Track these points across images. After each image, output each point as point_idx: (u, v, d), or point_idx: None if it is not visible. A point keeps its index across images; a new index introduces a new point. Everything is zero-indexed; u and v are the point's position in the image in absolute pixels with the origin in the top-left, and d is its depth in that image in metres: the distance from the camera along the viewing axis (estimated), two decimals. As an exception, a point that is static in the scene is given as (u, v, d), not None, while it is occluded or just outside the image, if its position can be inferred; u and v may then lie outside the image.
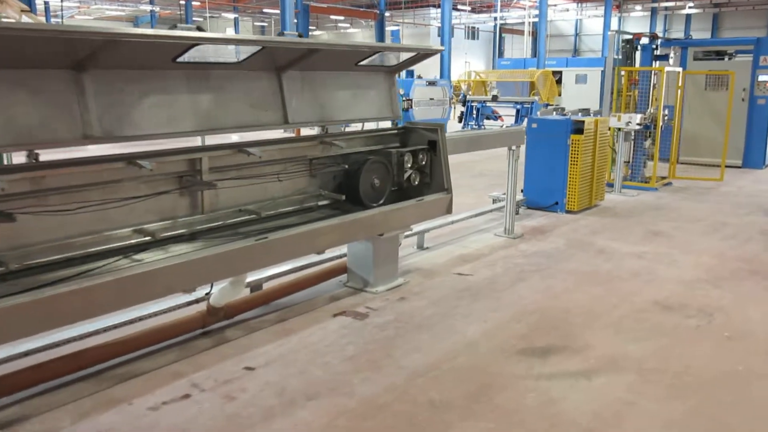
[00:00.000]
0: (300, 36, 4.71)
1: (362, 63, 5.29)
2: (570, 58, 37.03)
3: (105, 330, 4.04)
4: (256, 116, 4.64)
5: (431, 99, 16.11)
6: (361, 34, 62.67)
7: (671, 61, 9.97)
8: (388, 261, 5.38)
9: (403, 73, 41.05)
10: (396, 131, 5.85)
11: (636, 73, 10.18)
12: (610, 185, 9.82)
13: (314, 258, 5.44)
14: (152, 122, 3.94)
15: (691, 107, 12.52)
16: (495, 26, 50.76)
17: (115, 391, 3.58)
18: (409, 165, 5.49)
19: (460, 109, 20.02)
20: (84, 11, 54.47)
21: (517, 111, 18.40)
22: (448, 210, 5.69)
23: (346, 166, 5.21)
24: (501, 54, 59.06)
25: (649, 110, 9.83)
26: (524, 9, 43.57)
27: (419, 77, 17.69)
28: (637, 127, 9.40)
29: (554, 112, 12.26)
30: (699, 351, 4.16)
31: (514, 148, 6.85)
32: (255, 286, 4.98)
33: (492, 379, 3.74)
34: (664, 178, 10.51)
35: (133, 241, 3.87)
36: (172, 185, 4.11)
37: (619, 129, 9.50)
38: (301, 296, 5.08)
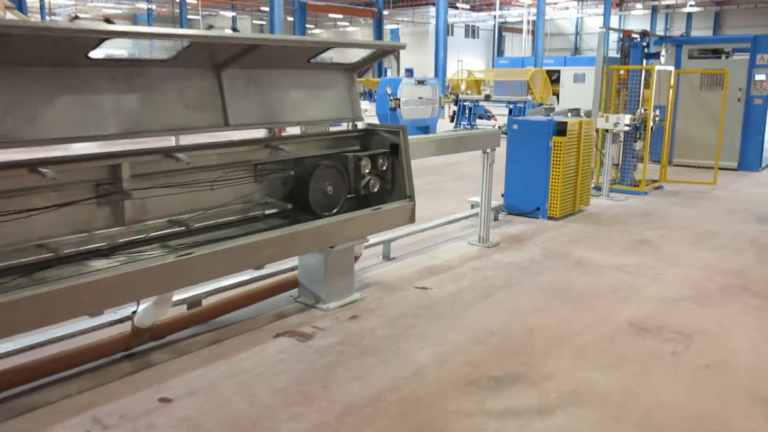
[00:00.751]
0: (234, 30, 4.26)
1: (318, 60, 4.86)
2: (568, 57, 36.53)
3: (8, 354, 3.62)
4: (190, 118, 4.22)
5: (420, 98, 15.67)
6: (360, 33, 62.21)
7: (662, 59, 9.52)
8: (343, 275, 4.94)
9: (402, 71, 40.60)
10: (356, 134, 5.42)
11: (626, 72, 9.73)
12: (598, 189, 9.40)
13: (265, 270, 5.02)
14: (63, 125, 3.52)
15: (686, 107, 12.07)
16: (494, 25, 50.25)
17: (2, 429, 3.15)
18: (368, 170, 5.06)
19: (452, 108, 19.57)
20: (81, 9, 54.24)
21: (510, 110, 17.95)
22: (411, 219, 5.26)
23: (295, 172, 4.78)
24: (501, 53, 58.63)
25: (638, 111, 9.38)
26: (524, 7, 43.08)
27: (408, 76, 17.26)
28: (626, 129, 8.96)
29: (543, 112, 11.85)
30: (673, 384, 3.72)
31: (488, 151, 6.42)
32: (192, 303, 4.56)
33: (435, 417, 3.31)
34: (655, 181, 10.06)
35: (34, 257, 3.45)
36: (85, 194, 3.68)
37: (607, 130, 9.05)
38: (246, 313, 4.66)
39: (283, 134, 4.96)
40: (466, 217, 7.20)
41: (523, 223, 7.57)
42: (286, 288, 5.04)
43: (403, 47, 5.18)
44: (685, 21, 48.35)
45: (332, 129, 5.31)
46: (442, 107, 16.63)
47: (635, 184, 9.65)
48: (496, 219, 7.72)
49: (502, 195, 8.09)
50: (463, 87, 26.38)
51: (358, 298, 4.98)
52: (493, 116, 19.07)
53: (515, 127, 7.87)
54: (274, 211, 4.74)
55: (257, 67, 4.59)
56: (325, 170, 4.78)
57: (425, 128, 16.11)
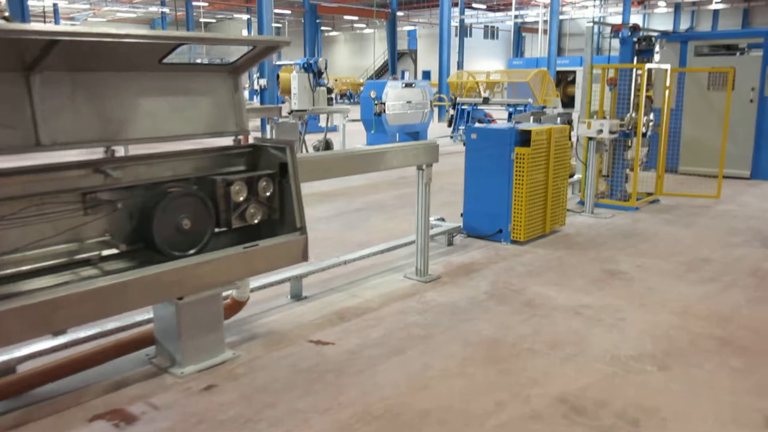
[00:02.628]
0: (7, 19, 3.30)
1: (187, 60, 3.88)
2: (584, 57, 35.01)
3: None
4: (-20, 136, 3.28)
5: (408, 102, 14.62)
6: (377, 34, 61.33)
7: (657, 56, 8.36)
8: (207, 330, 3.94)
9: (420, 74, 39.54)
10: (241, 151, 4.43)
11: (616, 71, 8.59)
12: (583, 203, 8.27)
13: (117, 321, 4.06)
14: None
15: (693, 110, 10.84)
16: (512, 25, 48.91)
17: None
18: (243, 197, 4.06)
19: (451, 112, 18.47)
20: (97, 13, 54.30)
21: (510, 114, 16.79)
22: (303, 257, 4.25)
23: (142, 202, 3.79)
24: (521, 54, 57.18)
25: (628, 115, 8.23)
26: (542, 7, 41.72)
27: (394, 78, 16.19)
28: (611, 136, 7.82)
29: (531, 117, 10.74)
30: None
31: (424, 167, 5.37)
32: (4, 370, 3.60)
33: None
34: (650, 194, 8.89)
35: None
36: None
37: (591, 138, 7.92)
38: (80, 380, 3.69)
39: (135, 153, 3.99)
40: (402, 246, 6.11)
41: (480, 249, 6.50)
42: (144, 344, 4.06)
43: (288, 43, 4.17)
44: (711, 19, 46.45)
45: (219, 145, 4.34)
46: (433, 111, 15.57)
47: (627, 198, 8.50)
48: (450, 244, 6.66)
49: (462, 214, 7.04)
50: (481, 89, 25.18)
51: (229, 358, 3.98)
52: (493, 120, 17.94)
53: (474, 136, 6.81)
54: (114, 251, 3.77)
55: (88, 69, 3.63)
56: (178, 199, 3.79)
57: (415, 134, 15.08)
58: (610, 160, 8.64)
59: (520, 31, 56.19)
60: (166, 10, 49.22)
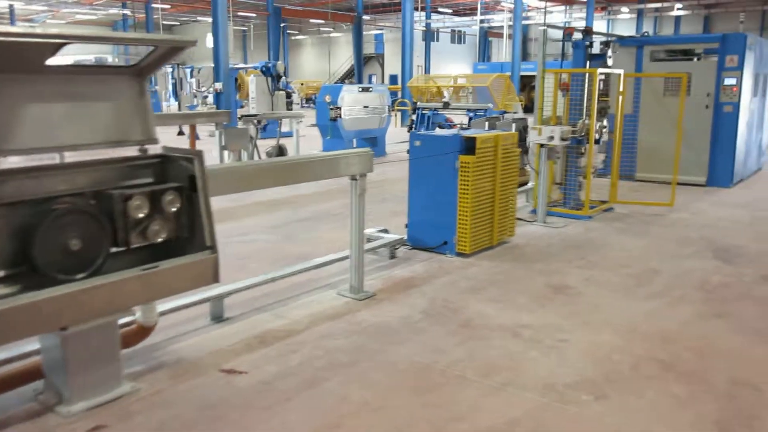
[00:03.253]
0: None
1: (76, 62, 3.47)
2: (551, 61, 35.19)
3: None
4: None
5: (365, 107, 14.27)
6: (344, 38, 60.97)
7: (609, 60, 8.16)
8: (99, 361, 3.54)
9: (387, 78, 39.29)
10: (148, 161, 4.03)
11: (569, 76, 8.36)
12: (536, 212, 8.02)
13: (14, 349, 3.63)
14: None
15: (649, 116, 10.71)
16: (478, 30, 48.99)
17: None
18: (144, 213, 3.66)
19: (411, 117, 18.20)
20: (56, 15, 53.03)
21: (470, 119, 16.57)
22: (214, 278, 3.87)
23: (24, 220, 3.38)
24: (488, 58, 57.32)
25: (581, 121, 8.01)
26: (507, 12, 41.81)
27: (350, 82, 15.84)
28: (562, 143, 7.58)
29: (486, 123, 10.49)
30: None
31: (358, 177, 5.03)
32: None
33: None
34: (604, 202, 8.67)
35: None
36: None
37: (542, 145, 7.67)
38: (-51, 422, 3.26)
39: (23, 165, 3.57)
40: (333, 262, 5.73)
41: (423, 262, 6.18)
42: (33, 378, 3.64)
43: (194, 43, 3.79)
44: (673, 24, 47.12)
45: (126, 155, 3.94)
46: (392, 116, 15.25)
47: (580, 206, 8.27)
48: (393, 256, 6.33)
49: (406, 225, 6.72)
50: (446, 95, 24.89)
51: (126, 392, 3.58)
52: (454, 125, 17.71)
53: (417, 143, 6.50)
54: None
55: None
56: (64, 216, 3.39)
57: (372, 139, 14.74)
58: (563, 168, 8.41)
59: (487, 35, 56.35)
60: (127, 12, 48.24)
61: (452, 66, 50.19)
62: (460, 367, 3.91)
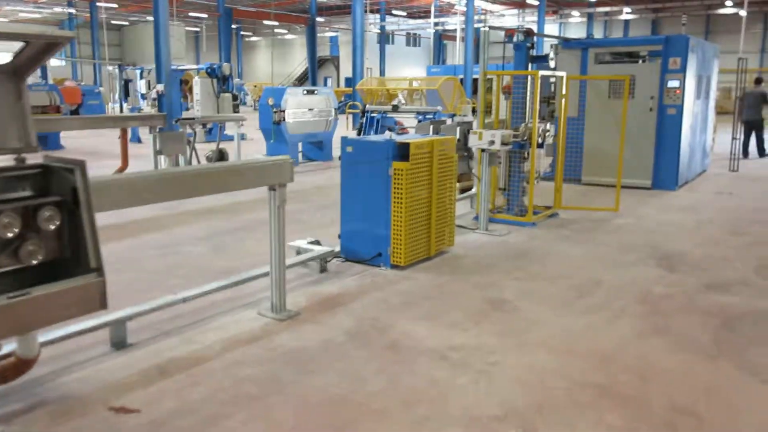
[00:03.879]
0: None
1: None
2: (504, 64, 35.27)
3: None
4: None
5: (310, 110, 13.86)
6: (299, 41, 60.33)
7: (552, 63, 7.95)
8: (-42, 406, 3.07)
9: (342, 80, 38.87)
10: (24, 172, 3.55)
11: (511, 79, 8.12)
12: (479, 219, 7.74)
13: None
14: None
15: (594, 119, 10.57)
16: (432, 33, 48.96)
17: None
18: (16, 231, 3.20)
19: (361, 120, 17.81)
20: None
21: (418, 122, 16.28)
22: (101, 304, 3.40)
23: None
24: (443, 61, 57.38)
25: (524, 125, 7.76)
26: (461, 15, 41.79)
27: (296, 84, 15.38)
28: (503, 148, 7.30)
29: (431, 126, 10.19)
30: None
31: (277, 188, 4.64)
32: None
33: None
34: (549, 208, 8.44)
35: None
36: None
37: (483, 150, 7.38)
38: None
39: None
40: (256, 278, 5.31)
41: (356, 276, 5.81)
42: None
43: (70, 37, 3.35)
44: (623, 28, 47.92)
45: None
46: (338, 119, 14.85)
47: (524, 213, 8.01)
48: (323, 270, 5.94)
49: (339, 236, 6.34)
50: (400, 97, 24.50)
51: (-9, 441, 3.11)
52: (404, 129, 17.41)
53: (349, 149, 6.13)
54: None
55: None
56: None
57: (318, 143, 14.34)
58: (506, 173, 8.15)
59: (441, 38, 56.46)
60: (72, 11, 46.75)
61: (408, 68, 50.09)
62: (380, 398, 3.55)
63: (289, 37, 62.15)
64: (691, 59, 10.18)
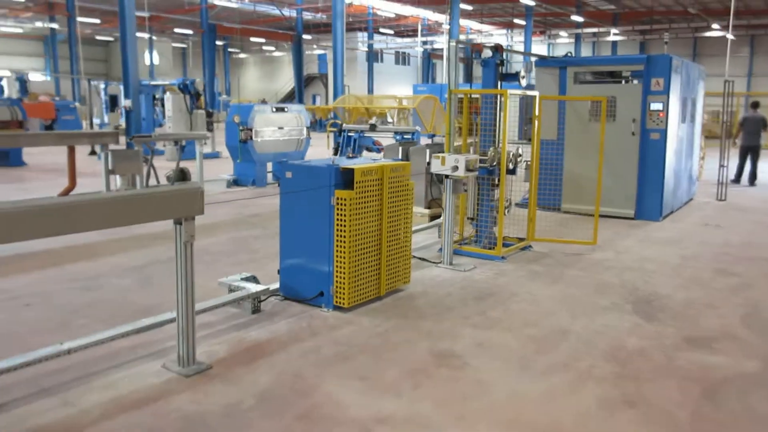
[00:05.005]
0: None
1: None
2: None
3: None
4: None
5: (280, 128, 13.19)
6: (287, 58, 59.85)
7: (523, 81, 7.32)
8: None
9: (331, 98, 38.33)
10: None
11: (480, 98, 7.48)
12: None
13: None
14: None
15: (574, 142, 9.95)
16: (419, 51, 48.60)
17: None
18: None
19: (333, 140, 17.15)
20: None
21: (397, 142, 15.65)
22: None
23: None
24: (433, 80, 57.00)
25: (492, 148, 7.11)
26: (447, 34, 41.45)
27: (263, 101, 14.69)
28: (468, 174, 6.64)
29: (399, 148, 9.58)
30: None
31: (183, 221, 3.94)
32: None
33: None
34: (522, 239, 7.77)
35: None
36: None
37: (446, 176, 6.72)
38: None
39: None
40: (160, 324, 4.57)
41: (291, 318, 5.10)
42: None
43: None
44: (611, 49, 47.75)
45: None
46: (310, 138, 14.17)
47: (493, 245, 7.33)
48: (256, 311, 5.23)
49: (279, 271, 5.64)
50: (389, 116, 23.76)
51: None
52: (382, 148, 16.75)
53: (288, 175, 5.45)
54: None
55: None
56: None
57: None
58: (475, 201, 7.49)
59: (430, 57, 56.16)
60: (55, 26, 46.08)
61: (396, 87, 49.69)
62: (274, 493, 2.83)
63: (277, 54, 61.72)
64: (674, 80, 9.60)
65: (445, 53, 39.47)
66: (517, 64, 49.37)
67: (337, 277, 5.24)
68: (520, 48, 42.14)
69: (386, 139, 17.36)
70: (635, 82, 9.98)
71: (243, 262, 6.92)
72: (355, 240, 5.20)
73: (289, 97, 55.48)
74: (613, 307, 5.56)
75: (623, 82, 10.62)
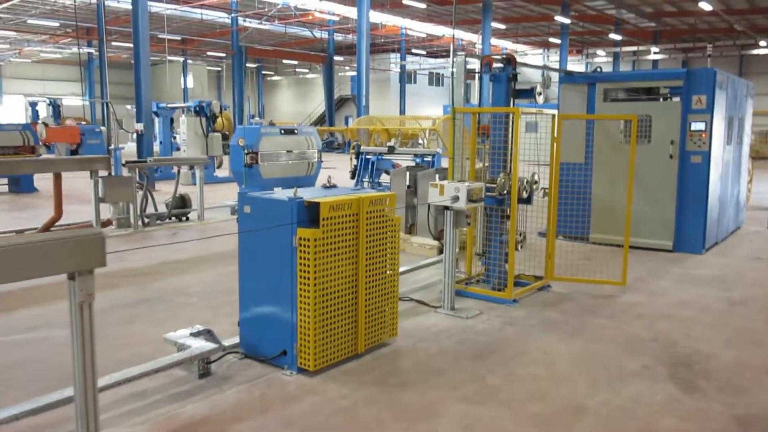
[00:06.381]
0: None
1: None
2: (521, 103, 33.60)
3: None
4: None
5: (289, 152, 12.42)
6: (320, 80, 59.73)
7: (539, 98, 6.38)
8: None
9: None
10: None
11: (490, 118, 6.53)
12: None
13: None
14: None
15: (604, 167, 8.90)
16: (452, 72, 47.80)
17: None
18: None
19: (354, 161, 16.32)
20: (21, 54, 51.54)
21: (417, 165, 14.75)
22: None
23: None
24: (468, 100, 56.12)
25: (502, 174, 6.14)
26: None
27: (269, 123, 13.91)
28: (471, 204, 5.69)
29: (407, 172, 8.70)
30: None
31: (78, 275, 3.08)
32: None
33: None
34: (539, 278, 6.76)
35: None
36: None
37: (446, 208, 5.77)
38: None
39: None
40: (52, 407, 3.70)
41: (243, 386, 4.19)
42: None
43: None
44: (651, 68, 46.20)
45: None
46: (322, 161, 13.37)
47: (504, 285, 6.32)
48: (205, 374, 4.34)
49: (239, 323, 4.75)
50: (423, 135, 22.76)
51: None
52: (402, 172, 15.85)
53: (247, 209, 4.58)
54: None
55: None
56: None
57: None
58: (484, 234, 6.52)
59: (465, 78, 55.29)
60: (91, 50, 46.76)
61: (430, 108, 48.96)
62: None
63: (311, 76, 61.64)
64: (719, 97, 8.50)
65: (450, 68, 38.66)
66: (554, 83, 47.96)
67: (301, 333, 4.32)
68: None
69: (405, 162, 16.49)
70: (675, 99, 8.91)
71: (218, 305, 6.07)
72: (322, 288, 4.29)
73: (322, 119, 55.21)
74: (644, 371, 4.51)
75: (661, 99, 9.56)
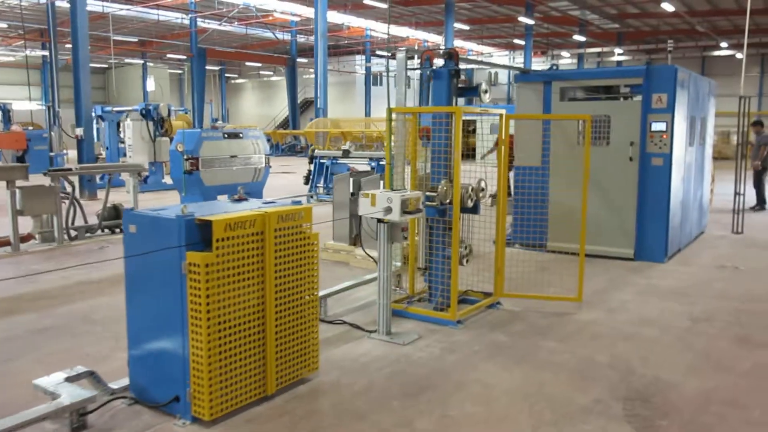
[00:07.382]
0: None
1: None
2: (485, 104, 33.26)
3: None
4: None
5: (233, 157, 11.69)
6: (284, 83, 58.76)
7: (485, 96, 5.79)
8: None
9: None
10: None
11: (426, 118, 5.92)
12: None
13: None
14: None
15: (560, 171, 8.36)
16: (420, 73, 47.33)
17: None
18: None
19: (310, 167, 15.63)
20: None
21: (373, 169, 14.12)
22: None
23: None
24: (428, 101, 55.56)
25: (443, 182, 5.53)
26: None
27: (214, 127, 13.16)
28: (406, 217, 5.06)
29: (350, 179, 8.06)
30: None
31: None
32: None
33: None
34: (488, 294, 6.16)
35: None
36: None
37: (381, 221, 5.13)
38: None
39: None
40: None
41: (120, 442, 3.50)
42: None
43: None
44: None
45: None
46: (270, 167, 12.64)
47: (448, 305, 5.71)
48: (80, 428, 3.63)
49: (128, 362, 4.05)
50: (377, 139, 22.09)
51: None
52: (358, 177, 15.20)
53: (132, 229, 3.88)
54: None
55: None
56: None
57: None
58: (425, 247, 5.90)
59: (430, 79, 54.84)
60: (45, 53, 45.23)
61: (396, 110, 48.33)
62: None
63: (275, 78, 60.63)
64: (680, 96, 8.02)
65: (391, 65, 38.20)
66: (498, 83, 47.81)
67: (194, 375, 3.65)
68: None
69: (361, 166, 15.86)
70: (636, 99, 8.42)
71: (123, 335, 5.32)
72: (217, 321, 3.62)
73: (287, 122, 54.26)
74: (596, 407, 3.92)
75: (621, 99, 9.09)
